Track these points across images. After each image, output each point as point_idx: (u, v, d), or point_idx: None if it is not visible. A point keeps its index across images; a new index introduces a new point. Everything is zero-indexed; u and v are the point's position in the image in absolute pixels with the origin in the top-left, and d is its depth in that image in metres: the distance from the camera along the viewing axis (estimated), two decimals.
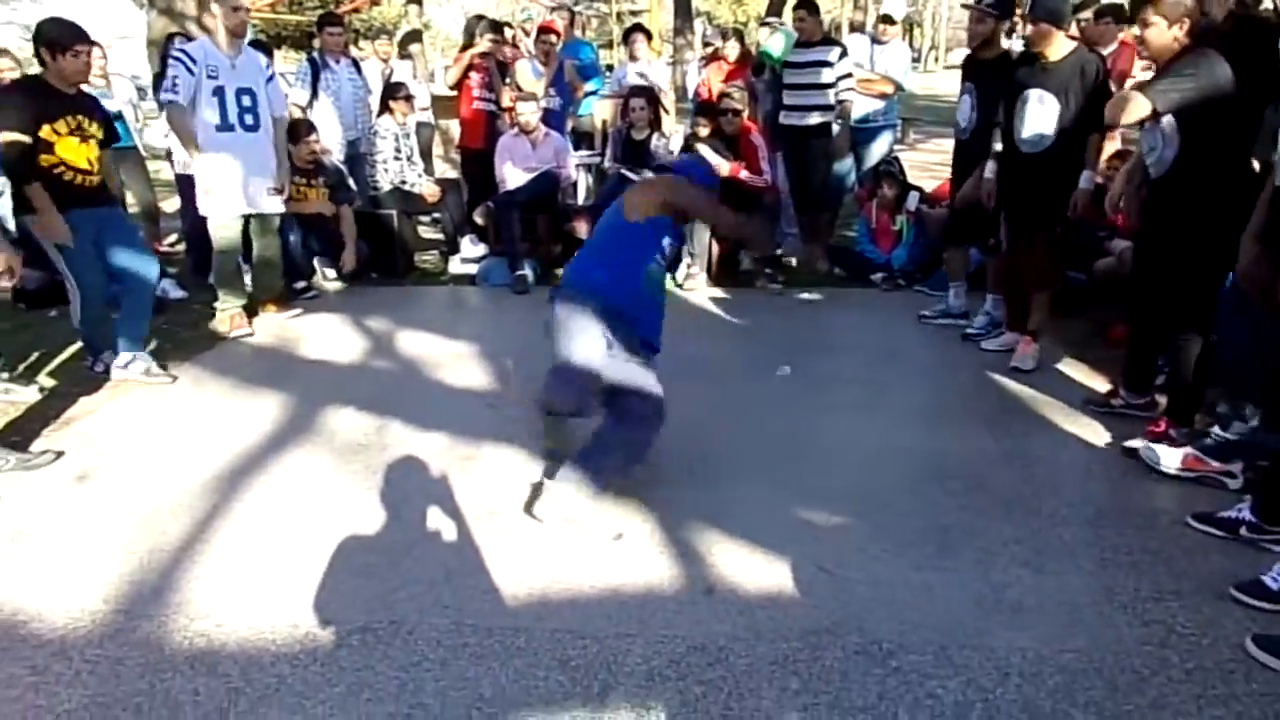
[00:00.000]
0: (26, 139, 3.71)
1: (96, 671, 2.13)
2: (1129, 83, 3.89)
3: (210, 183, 4.68)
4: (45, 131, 3.78)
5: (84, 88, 4.11)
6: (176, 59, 4.55)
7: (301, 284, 5.57)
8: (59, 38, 3.75)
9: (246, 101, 4.65)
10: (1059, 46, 3.75)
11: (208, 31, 7.28)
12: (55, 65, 3.78)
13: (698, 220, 2.94)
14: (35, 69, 3.99)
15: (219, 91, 4.56)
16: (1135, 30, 3.72)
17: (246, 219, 4.87)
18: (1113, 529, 2.69)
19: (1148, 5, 3.12)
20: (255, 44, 5.79)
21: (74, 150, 3.88)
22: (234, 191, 4.70)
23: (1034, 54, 3.84)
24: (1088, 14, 5.32)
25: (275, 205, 4.92)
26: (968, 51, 4.68)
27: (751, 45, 7.23)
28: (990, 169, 4.15)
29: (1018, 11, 5.11)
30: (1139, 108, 2.99)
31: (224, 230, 4.82)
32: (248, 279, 5.29)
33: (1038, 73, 3.80)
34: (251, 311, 5.04)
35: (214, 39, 4.66)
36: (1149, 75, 3.39)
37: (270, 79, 4.80)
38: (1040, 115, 3.77)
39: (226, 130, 4.62)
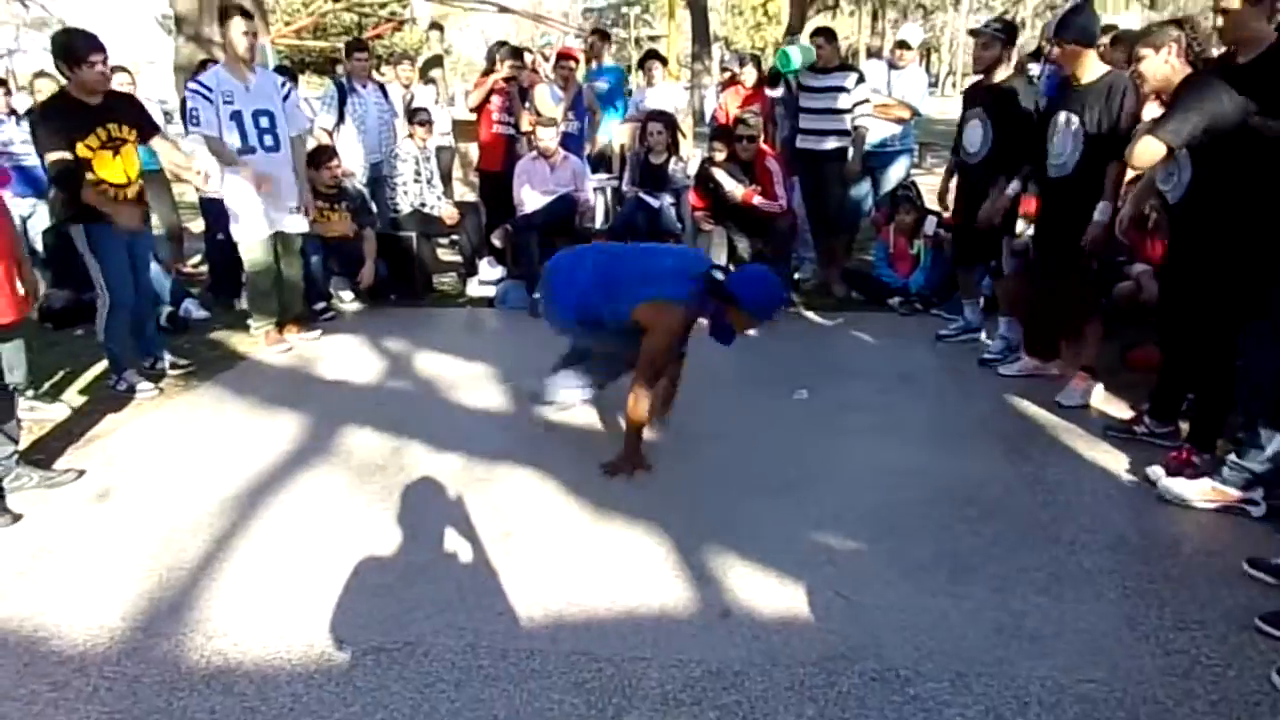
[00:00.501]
0: (69, 155, 3.84)
1: (114, 689, 2.15)
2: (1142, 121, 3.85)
3: (236, 205, 4.76)
4: (80, 149, 3.88)
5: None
6: (194, 92, 4.63)
7: (320, 305, 5.63)
8: (75, 49, 3.83)
9: (265, 122, 4.72)
10: (1090, 68, 3.71)
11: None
12: (75, 77, 3.87)
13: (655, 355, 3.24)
14: None
15: (236, 115, 4.63)
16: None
17: (274, 239, 4.96)
18: (1134, 557, 2.65)
19: (1136, 44, 3.20)
20: (280, 69, 5.90)
21: (110, 166, 4.00)
22: (259, 212, 4.78)
23: (1068, 77, 3.81)
24: (1105, 39, 5.32)
25: (299, 225, 4.98)
26: (975, 78, 4.68)
27: (769, 71, 7.29)
28: (1013, 188, 4.16)
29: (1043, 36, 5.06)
30: (1154, 150, 2.98)
31: (253, 251, 4.89)
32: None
33: (1069, 94, 3.78)
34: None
35: (227, 65, 4.72)
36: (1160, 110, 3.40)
37: (287, 98, 4.86)
38: (1066, 138, 3.76)
39: (248, 152, 4.68)
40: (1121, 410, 3.76)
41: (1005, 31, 4.34)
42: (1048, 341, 4.17)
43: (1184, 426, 3.37)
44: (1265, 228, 2.92)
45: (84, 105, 3.91)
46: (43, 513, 3.05)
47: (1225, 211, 2.98)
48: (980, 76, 4.50)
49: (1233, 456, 2.89)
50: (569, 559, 2.70)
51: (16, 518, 2.99)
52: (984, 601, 2.43)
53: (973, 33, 4.50)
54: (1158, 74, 3.13)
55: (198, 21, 7.73)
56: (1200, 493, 2.92)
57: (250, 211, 4.74)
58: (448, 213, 6.27)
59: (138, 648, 2.30)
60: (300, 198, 4.94)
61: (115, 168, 4.02)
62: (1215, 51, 3.17)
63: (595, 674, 2.16)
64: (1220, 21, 2.95)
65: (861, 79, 5.84)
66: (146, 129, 4.24)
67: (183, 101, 6.80)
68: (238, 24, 4.55)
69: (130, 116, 4.13)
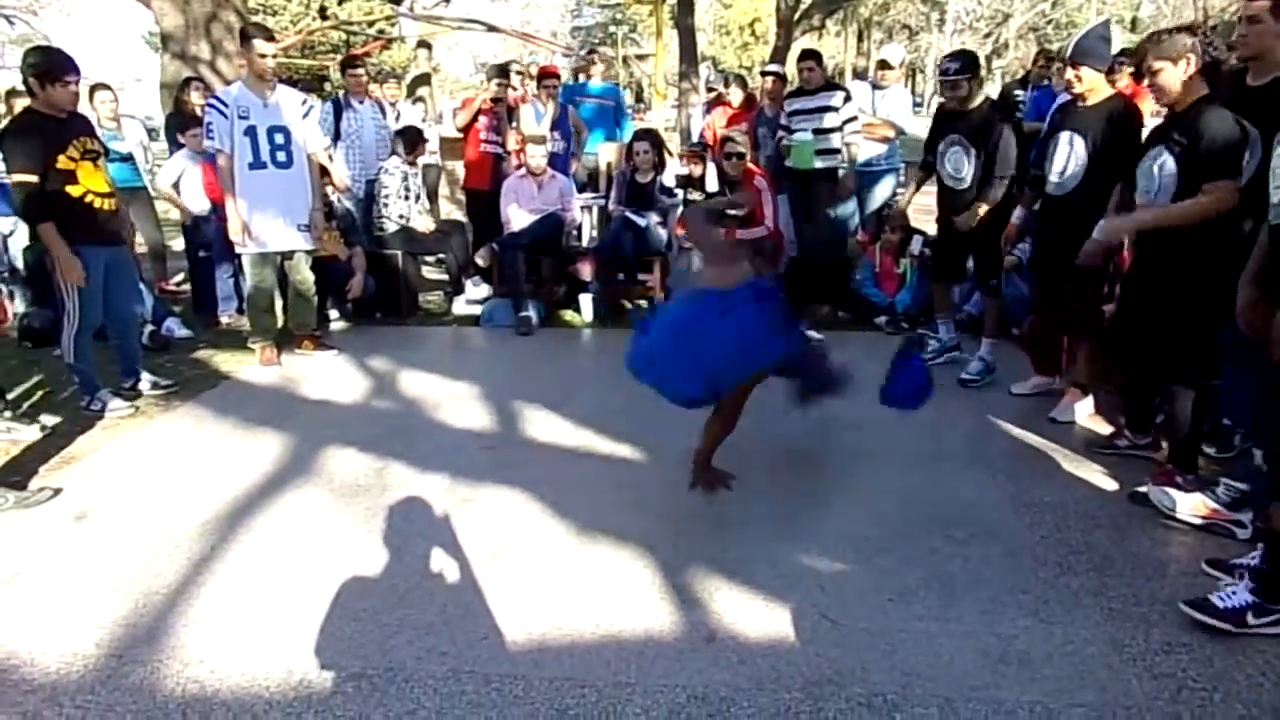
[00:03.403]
0: (35, 178, 3.77)
1: (86, 719, 2.10)
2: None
3: (243, 219, 4.75)
4: (63, 162, 3.86)
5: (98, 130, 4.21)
6: (210, 106, 4.71)
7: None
8: (50, 68, 3.81)
9: (280, 139, 4.75)
10: (1099, 91, 3.71)
11: (219, 75, 7.47)
12: (44, 94, 3.83)
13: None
14: None
15: (251, 131, 4.67)
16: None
17: (281, 256, 4.96)
18: (1120, 578, 2.65)
19: (1147, 55, 3.08)
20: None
21: (93, 175, 3.99)
22: (265, 228, 4.77)
23: (1075, 97, 3.80)
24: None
25: (305, 242, 4.97)
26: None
27: (755, 90, 7.33)
28: (1018, 215, 4.21)
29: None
30: (1228, 197, 2.89)
31: (256, 267, 4.88)
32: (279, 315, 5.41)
33: (1072, 115, 3.80)
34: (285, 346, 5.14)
35: (247, 82, 4.76)
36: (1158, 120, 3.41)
37: (306, 116, 4.90)
38: (1068, 158, 3.76)
39: (259, 168, 4.72)
40: (1105, 428, 3.78)
41: (968, 69, 4.37)
42: (1054, 358, 4.19)
43: (1164, 445, 3.39)
44: (1235, 251, 2.93)
45: (56, 120, 3.90)
46: (18, 535, 3.00)
47: (1201, 231, 2.96)
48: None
49: (1226, 478, 2.90)
50: (554, 582, 2.67)
51: None
52: (972, 625, 2.41)
53: (940, 79, 4.52)
54: (1176, 87, 3.01)
55: (184, 39, 7.70)
56: (1191, 506, 2.92)
57: (254, 225, 4.75)
58: (425, 224, 6.22)
59: (111, 675, 2.25)
60: (310, 217, 4.94)
61: (98, 178, 4.03)
62: (1228, 56, 3.08)
63: (579, 700, 2.13)
64: (1245, 32, 2.89)
65: (849, 97, 5.89)
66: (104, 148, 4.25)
67: (168, 118, 6.82)
68: (259, 45, 4.64)
69: (92, 131, 4.14)
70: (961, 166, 4.40)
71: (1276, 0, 2.80)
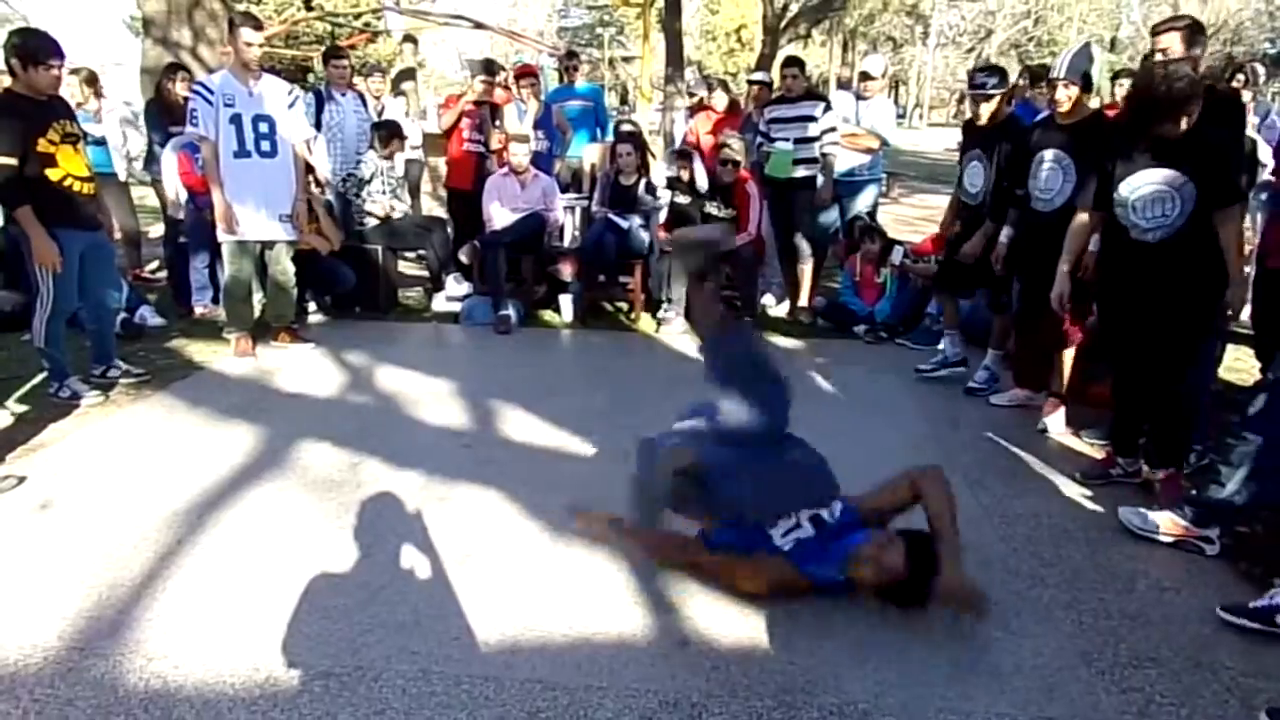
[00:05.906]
0: (14, 161, 3.71)
1: (45, 713, 2.05)
2: None
3: (229, 208, 4.69)
4: (42, 145, 3.80)
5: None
6: (195, 92, 4.65)
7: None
8: (34, 50, 3.75)
9: (264, 128, 4.70)
10: (1080, 108, 3.76)
11: (201, 61, 7.37)
12: (25, 76, 3.77)
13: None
14: None
15: (236, 119, 4.62)
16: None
17: (261, 247, 4.89)
18: (1091, 592, 2.67)
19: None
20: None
21: (72, 159, 3.93)
22: (248, 217, 4.72)
23: (1054, 115, 3.85)
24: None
25: (288, 233, 4.91)
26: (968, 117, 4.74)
27: (739, 96, 7.35)
28: (1006, 234, 4.21)
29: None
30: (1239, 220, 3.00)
31: (236, 257, 4.82)
32: (257, 306, 5.34)
33: (1055, 134, 3.84)
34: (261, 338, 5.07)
35: (232, 70, 4.70)
36: None
37: (292, 106, 4.84)
38: (1055, 175, 3.80)
39: (243, 156, 4.66)
40: (1077, 444, 3.81)
41: (1005, 82, 4.42)
42: (1037, 372, 4.22)
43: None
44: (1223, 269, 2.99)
45: (36, 102, 3.82)
46: None
47: (1204, 252, 3.02)
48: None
49: (1194, 492, 2.93)
50: (527, 583, 2.65)
51: None
52: (944, 635, 2.42)
53: (973, 93, 4.48)
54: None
55: (166, 24, 7.61)
56: (1160, 524, 2.95)
57: (236, 214, 4.69)
58: (383, 205, 6.10)
59: (72, 669, 2.20)
60: (293, 207, 4.89)
61: (78, 162, 3.97)
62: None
63: (550, 703, 2.11)
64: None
65: (829, 107, 5.92)
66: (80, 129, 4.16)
67: (148, 104, 6.72)
68: (246, 33, 4.58)
69: (72, 114, 4.06)
70: (978, 181, 4.44)
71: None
